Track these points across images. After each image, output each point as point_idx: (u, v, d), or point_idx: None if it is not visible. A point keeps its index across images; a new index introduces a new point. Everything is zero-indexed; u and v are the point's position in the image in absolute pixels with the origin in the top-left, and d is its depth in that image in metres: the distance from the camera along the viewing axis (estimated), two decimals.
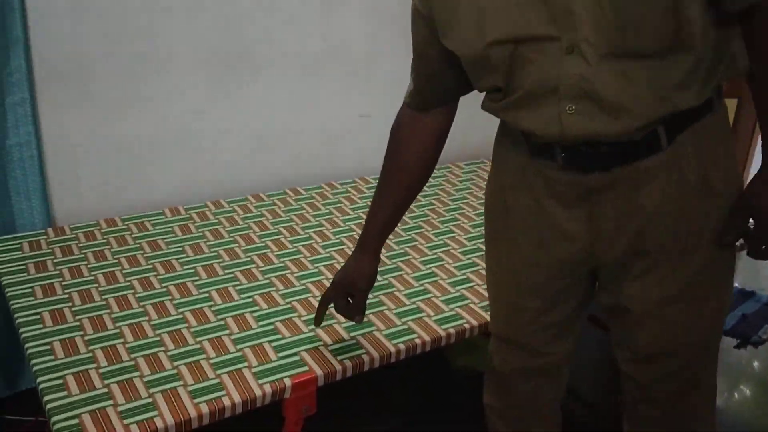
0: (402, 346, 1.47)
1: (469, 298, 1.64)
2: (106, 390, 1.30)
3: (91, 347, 1.41)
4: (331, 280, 1.37)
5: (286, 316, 1.54)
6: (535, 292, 1.27)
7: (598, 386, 2.08)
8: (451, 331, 1.53)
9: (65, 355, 1.38)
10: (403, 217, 1.43)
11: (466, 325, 1.55)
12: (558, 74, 1.04)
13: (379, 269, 1.35)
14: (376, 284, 1.38)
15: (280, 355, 1.42)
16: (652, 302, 1.19)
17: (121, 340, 1.44)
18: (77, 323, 1.48)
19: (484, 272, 1.68)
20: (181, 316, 1.53)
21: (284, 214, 2.00)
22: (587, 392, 2.06)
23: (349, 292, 1.35)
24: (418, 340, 1.49)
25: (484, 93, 1.18)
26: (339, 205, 2.07)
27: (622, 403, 1.36)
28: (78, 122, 1.88)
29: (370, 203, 1.33)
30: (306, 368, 1.39)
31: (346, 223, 1.96)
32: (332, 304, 1.37)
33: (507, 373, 1.37)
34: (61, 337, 1.43)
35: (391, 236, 1.38)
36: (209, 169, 2.10)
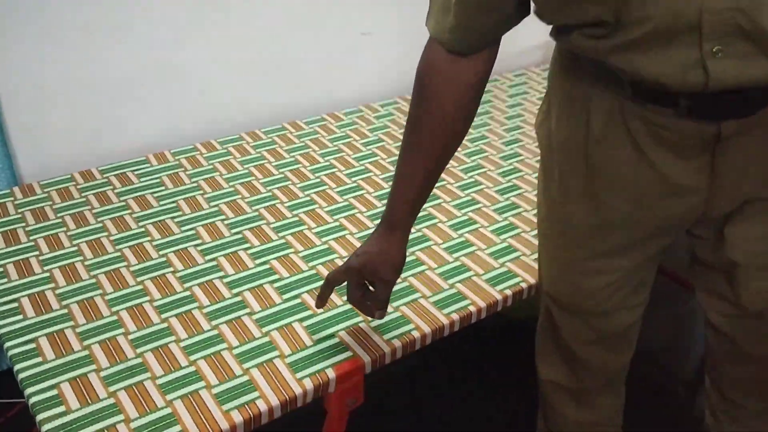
0: (455, 317, 1.25)
1: (518, 249, 1.42)
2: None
3: (86, 343, 1.17)
4: (345, 261, 1.11)
5: (312, 286, 1.31)
6: (620, 255, 1.07)
7: (699, 366, 1.93)
8: (508, 293, 1.31)
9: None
10: None
11: (523, 285, 1.33)
12: (700, 6, 0.79)
13: None
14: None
15: (316, 337, 1.19)
16: (763, 253, 1.02)
17: (122, 330, 1.19)
18: (64, 311, 1.23)
19: (527, 215, 1.47)
20: (188, 293, 1.28)
21: (287, 155, 1.73)
22: (688, 373, 1.94)
23: (370, 281, 1.11)
24: (472, 308, 1.27)
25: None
26: (347, 140, 1.80)
27: (706, 365, 1.23)
28: (40, 59, 1.57)
29: (395, 167, 1.06)
30: (349, 353, 1.16)
31: (361, 162, 1.70)
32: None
33: (577, 345, 1.18)
34: (47, 331, 1.19)
35: None
36: (195, 106, 1.81)
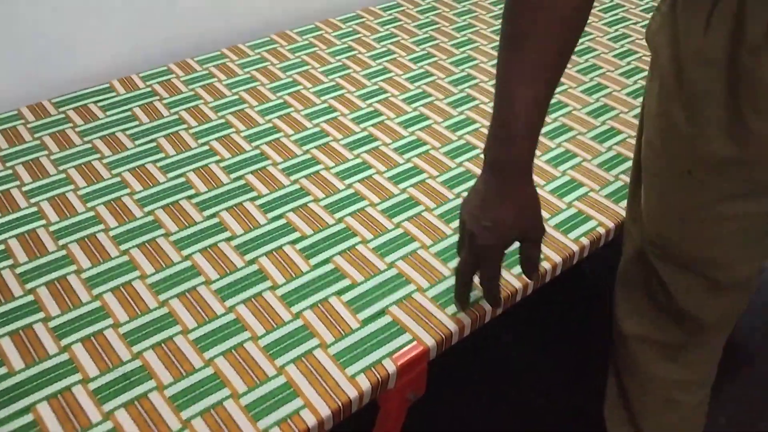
0: (518, 285, 1.01)
1: (583, 182, 1.17)
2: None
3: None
4: (467, 237, 0.84)
5: (348, 244, 1.05)
6: (755, 198, 0.84)
7: None
8: (584, 241, 1.07)
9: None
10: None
11: (600, 230, 1.09)
12: None
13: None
14: None
15: (361, 316, 0.94)
16: None
17: (110, 321, 0.92)
18: (30, 297, 0.95)
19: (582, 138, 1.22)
20: (189, 263, 1.01)
21: (283, 74, 1.43)
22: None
23: (524, 240, 0.86)
24: (546, 264, 1.03)
25: None
26: (352, 53, 1.50)
27: None
28: None
29: (498, 85, 0.77)
30: (407, 336, 0.92)
31: (373, 80, 1.41)
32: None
33: (686, 299, 0.97)
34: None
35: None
36: (163, 16, 1.48)
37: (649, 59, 1.16)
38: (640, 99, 1.32)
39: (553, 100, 1.36)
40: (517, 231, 0.83)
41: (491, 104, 1.37)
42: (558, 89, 1.39)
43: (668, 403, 1.08)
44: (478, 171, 1.20)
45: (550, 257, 1.03)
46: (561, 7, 0.72)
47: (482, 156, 0.83)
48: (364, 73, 1.43)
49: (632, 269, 1.02)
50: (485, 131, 1.28)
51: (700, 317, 0.99)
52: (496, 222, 0.81)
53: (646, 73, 1.27)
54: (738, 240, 0.89)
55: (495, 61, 1.46)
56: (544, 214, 1.10)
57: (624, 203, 1.12)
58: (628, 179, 1.06)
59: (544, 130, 1.28)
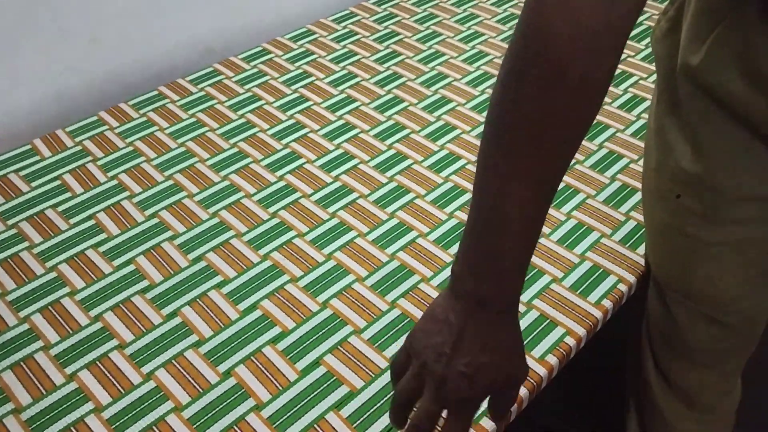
0: (548, 366, 0.87)
1: (594, 227, 1.04)
2: None
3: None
4: (458, 371, 0.63)
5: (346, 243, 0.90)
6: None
7: None
8: (607, 304, 0.94)
9: None
10: None
11: (622, 287, 0.96)
12: None
13: None
14: None
15: None
16: None
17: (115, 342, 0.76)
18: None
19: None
20: (203, 263, 0.85)
21: (287, 89, 1.25)
22: None
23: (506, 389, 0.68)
24: (570, 340, 0.90)
25: None
26: (357, 58, 1.35)
27: None
28: None
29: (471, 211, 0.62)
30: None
31: (386, 88, 1.27)
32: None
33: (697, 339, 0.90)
34: None
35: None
36: (106, 41, 1.28)
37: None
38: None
39: None
40: (502, 379, 0.65)
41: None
42: None
43: None
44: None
45: (574, 331, 0.90)
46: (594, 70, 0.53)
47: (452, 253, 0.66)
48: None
49: (653, 311, 0.95)
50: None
51: (715, 358, 0.91)
52: (478, 370, 0.62)
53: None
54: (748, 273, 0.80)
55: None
56: (556, 272, 0.97)
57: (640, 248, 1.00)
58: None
59: None
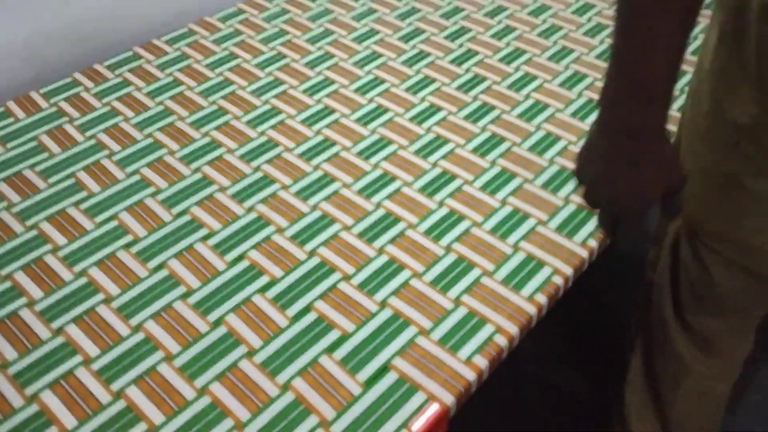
0: (542, 299, 0.88)
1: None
2: None
3: None
4: (621, 191, 0.72)
5: (333, 280, 0.89)
6: None
7: None
8: (593, 244, 0.94)
9: None
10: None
11: None
12: None
13: None
14: None
15: (361, 379, 0.79)
16: None
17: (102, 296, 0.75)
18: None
19: None
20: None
21: (264, 47, 1.23)
22: None
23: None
24: (557, 279, 0.90)
25: None
26: (335, 38, 1.31)
27: None
28: None
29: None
30: (422, 396, 0.78)
31: (366, 68, 1.23)
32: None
33: (728, 289, 0.90)
34: None
35: None
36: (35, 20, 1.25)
37: None
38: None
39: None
40: (661, 189, 0.72)
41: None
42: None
43: (702, 395, 1.02)
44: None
45: (560, 270, 0.90)
46: None
47: (596, 110, 0.70)
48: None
49: (673, 256, 0.95)
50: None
51: (742, 307, 0.91)
52: (641, 186, 0.70)
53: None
54: None
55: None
56: (542, 214, 0.97)
57: None
58: None
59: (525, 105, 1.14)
